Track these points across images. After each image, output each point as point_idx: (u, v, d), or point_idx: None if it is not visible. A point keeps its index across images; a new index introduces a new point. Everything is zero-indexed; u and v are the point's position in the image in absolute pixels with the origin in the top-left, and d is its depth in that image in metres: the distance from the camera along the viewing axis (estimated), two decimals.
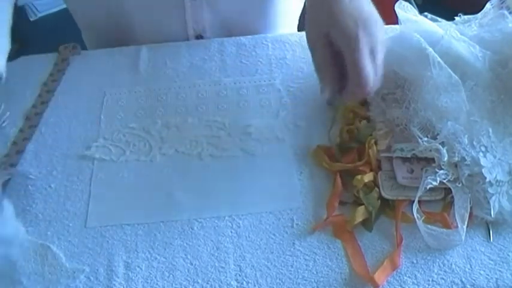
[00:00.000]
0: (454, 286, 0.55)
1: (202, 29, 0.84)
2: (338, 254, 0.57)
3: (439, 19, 0.73)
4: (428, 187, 0.59)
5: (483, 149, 0.60)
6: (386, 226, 0.59)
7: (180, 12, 0.82)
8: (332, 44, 0.60)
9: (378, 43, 0.60)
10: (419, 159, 0.62)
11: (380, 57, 0.60)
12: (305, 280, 0.56)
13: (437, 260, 0.57)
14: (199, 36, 0.85)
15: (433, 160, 0.61)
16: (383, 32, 0.61)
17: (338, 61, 0.61)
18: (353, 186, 0.61)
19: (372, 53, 0.59)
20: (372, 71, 0.59)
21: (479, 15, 0.73)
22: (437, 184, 0.59)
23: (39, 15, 1.75)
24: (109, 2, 0.82)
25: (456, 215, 0.58)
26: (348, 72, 0.59)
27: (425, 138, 0.61)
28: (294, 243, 0.58)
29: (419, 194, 0.59)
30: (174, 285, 0.56)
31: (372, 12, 0.61)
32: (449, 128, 0.61)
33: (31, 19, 1.58)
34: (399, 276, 0.56)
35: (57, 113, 0.72)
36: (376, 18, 0.61)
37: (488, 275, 0.56)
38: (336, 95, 0.64)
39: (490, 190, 0.58)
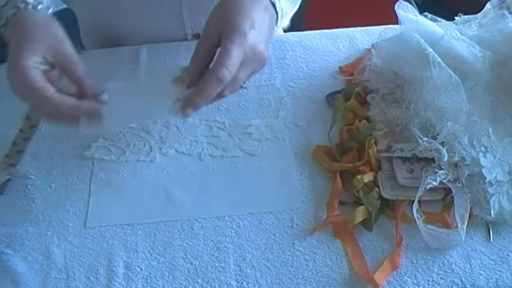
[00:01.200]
0: (454, 286, 0.55)
1: (200, 30, 0.84)
2: (338, 254, 0.57)
3: (439, 19, 0.73)
4: (428, 187, 0.59)
5: (483, 149, 0.60)
6: (387, 226, 0.59)
7: (178, 12, 0.82)
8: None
9: (253, 63, 0.63)
10: (419, 159, 0.62)
11: (243, 74, 0.62)
12: (305, 280, 0.56)
13: (437, 260, 0.57)
14: (196, 35, 0.85)
15: (433, 160, 0.61)
16: (258, 66, 0.65)
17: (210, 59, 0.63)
18: (353, 186, 0.61)
19: (242, 63, 0.61)
20: (233, 73, 0.60)
21: (479, 15, 0.73)
22: (437, 184, 0.59)
23: None
24: (107, 3, 0.82)
25: (456, 215, 0.58)
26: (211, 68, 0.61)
27: (425, 138, 0.61)
28: (294, 243, 0.58)
29: (419, 194, 0.59)
30: (174, 285, 0.56)
31: (265, 46, 0.64)
32: (449, 128, 0.61)
33: None
34: (399, 276, 0.56)
35: None
36: (263, 51, 0.64)
37: (488, 275, 0.56)
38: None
39: (490, 190, 0.58)
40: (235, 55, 0.60)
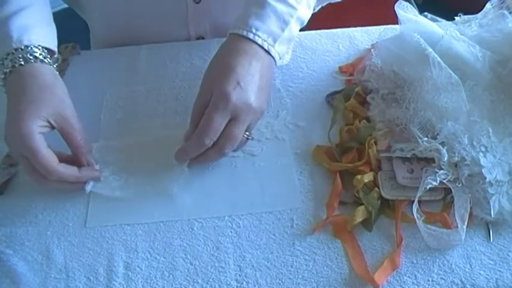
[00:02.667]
0: (454, 286, 0.55)
1: (204, 33, 0.85)
2: (338, 254, 0.57)
3: (439, 19, 0.73)
4: (428, 187, 0.59)
5: (483, 149, 0.60)
6: (387, 226, 0.59)
7: (183, 16, 0.82)
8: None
9: (247, 117, 0.61)
10: (419, 159, 0.62)
11: (238, 131, 0.61)
12: (305, 280, 0.56)
13: (437, 260, 0.57)
14: (200, 38, 0.85)
15: (433, 160, 0.61)
16: (254, 118, 0.63)
17: None
18: (353, 186, 0.61)
19: (233, 121, 0.60)
20: (214, 138, 0.60)
21: (479, 15, 0.73)
22: (437, 184, 0.59)
23: None
24: (118, 12, 0.82)
25: (456, 215, 0.58)
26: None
27: (425, 138, 0.61)
28: (294, 243, 0.58)
29: (419, 194, 0.59)
30: (174, 285, 0.56)
31: (258, 96, 0.62)
32: (449, 128, 0.61)
33: None
34: (399, 276, 0.56)
35: None
36: (255, 104, 0.62)
37: (488, 275, 0.56)
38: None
39: (490, 190, 0.58)
40: (217, 121, 0.59)
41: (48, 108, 0.59)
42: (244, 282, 0.55)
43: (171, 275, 0.56)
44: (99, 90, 0.74)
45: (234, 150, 0.64)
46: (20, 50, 0.61)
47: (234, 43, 0.64)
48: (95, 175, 0.62)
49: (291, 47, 0.73)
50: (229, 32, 0.66)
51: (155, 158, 0.66)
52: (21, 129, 0.57)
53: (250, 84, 0.61)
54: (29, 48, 0.61)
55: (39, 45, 0.62)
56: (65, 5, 0.88)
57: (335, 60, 0.78)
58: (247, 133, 0.64)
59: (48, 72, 0.62)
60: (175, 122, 0.70)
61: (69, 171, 0.59)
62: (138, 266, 0.57)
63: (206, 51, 0.79)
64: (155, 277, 0.56)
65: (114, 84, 0.75)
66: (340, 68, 0.77)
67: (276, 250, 0.58)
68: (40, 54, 0.62)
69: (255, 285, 0.55)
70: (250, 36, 0.63)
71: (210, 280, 0.56)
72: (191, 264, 0.57)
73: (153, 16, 0.82)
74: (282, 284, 0.55)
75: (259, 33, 0.64)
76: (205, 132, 0.60)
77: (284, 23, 0.66)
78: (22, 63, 0.60)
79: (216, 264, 0.57)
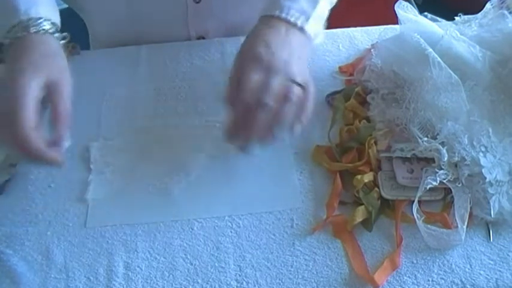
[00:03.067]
0: (454, 286, 0.55)
1: (204, 33, 0.85)
2: (338, 254, 0.57)
3: (439, 19, 0.73)
4: (428, 187, 0.59)
5: (483, 149, 0.60)
6: (386, 226, 0.59)
7: (183, 16, 0.82)
8: None
9: (279, 70, 0.58)
10: (419, 159, 0.62)
11: (275, 79, 0.57)
12: (305, 280, 0.56)
13: (437, 260, 0.57)
14: (200, 38, 0.85)
15: (433, 160, 0.61)
16: (296, 68, 0.59)
17: None
18: (353, 186, 0.61)
19: (268, 70, 0.58)
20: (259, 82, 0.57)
21: (479, 15, 0.73)
22: (437, 184, 0.59)
23: None
24: (120, 13, 0.82)
25: (456, 215, 0.58)
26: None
27: (425, 138, 0.61)
28: (294, 243, 0.58)
29: (419, 194, 0.59)
30: (174, 285, 0.56)
31: (297, 62, 0.60)
32: (449, 128, 0.61)
33: None
34: (399, 276, 0.56)
35: None
36: (301, 71, 0.59)
37: (488, 275, 0.56)
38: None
39: (490, 190, 0.58)
40: (252, 76, 0.57)
41: (47, 71, 0.58)
42: (244, 282, 0.55)
43: (171, 275, 0.56)
44: (99, 90, 0.74)
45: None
46: (27, 21, 0.60)
47: (266, 23, 0.62)
48: (57, 160, 0.57)
49: (323, 26, 0.71)
50: (260, 15, 0.64)
51: (155, 158, 0.66)
52: (15, 82, 0.55)
53: (283, 50, 0.60)
54: (37, 20, 0.61)
55: (46, 19, 0.62)
56: (65, 5, 0.88)
57: (335, 60, 0.78)
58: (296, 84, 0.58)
59: (52, 43, 0.61)
60: (176, 122, 0.70)
61: (37, 139, 0.55)
62: (138, 266, 0.57)
63: (206, 51, 0.79)
64: (155, 277, 0.56)
65: (114, 84, 0.75)
66: (340, 68, 0.77)
67: (276, 250, 0.58)
68: (49, 27, 0.62)
69: (255, 285, 0.55)
70: (283, 15, 0.62)
71: (210, 280, 0.56)
72: (191, 264, 0.57)
73: (153, 16, 0.82)
74: (282, 284, 0.55)
75: (292, 12, 0.62)
76: (243, 91, 0.57)
77: (315, 1, 0.64)
78: (31, 31, 0.60)
79: (216, 264, 0.57)
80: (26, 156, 0.56)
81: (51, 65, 0.59)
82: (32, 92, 0.55)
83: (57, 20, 0.64)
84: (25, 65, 0.57)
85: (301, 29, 0.62)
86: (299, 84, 0.59)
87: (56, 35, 0.62)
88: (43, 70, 0.57)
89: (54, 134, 0.57)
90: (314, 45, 0.65)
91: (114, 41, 0.84)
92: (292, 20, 0.62)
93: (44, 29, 0.61)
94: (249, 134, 0.58)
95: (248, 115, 0.57)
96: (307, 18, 0.63)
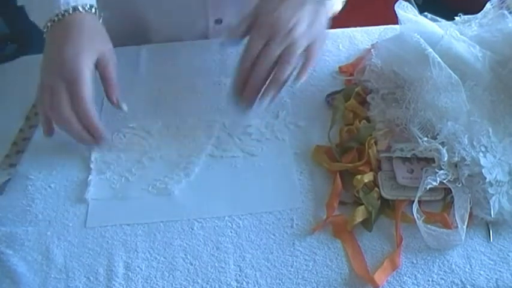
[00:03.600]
0: (454, 286, 0.55)
1: (223, 14, 0.85)
2: (338, 254, 0.57)
3: (439, 19, 0.73)
4: (428, 187, 0.59)
5: (483, 149, 0.60)
6: (386, 226, 0.59)
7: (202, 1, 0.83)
8: None
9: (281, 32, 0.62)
10: (419, 159, 0.62)
11: (275, 46, 0.62)
12: (305, 280, 0.56)
13: (437, 260, 0.57)
14: (219, 21, 0.86)
15: (433, 160, 0.61)
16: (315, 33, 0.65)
17: None
18: (353, 186, 0.61)
19: (272, 36, 0.62)
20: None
21: (479, 15, 0.73)
22: (437, 184, 0.59)
23: None
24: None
25: (456, 215, 0.58)
26: None
27: (425, 138, 0.61)
28: (294, 243, 0.58)
29: (419, 194, 0.59)
30: (174, 285, 0.56)
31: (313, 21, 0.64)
32: (449, 128, 0.61)
33: (31, 19, 1.58)
34: (399, 276, 0.56)
35: None
36: (313, 22, 0.64)
37: (488, 275, 0.56)
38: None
39: (490, 190, 0.58)
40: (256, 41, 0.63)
41: (99, 47, 0.64)
42: (244, 282, 0.55)
43: (171, 275, 0.56)
44: (99, 90, 0.74)
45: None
46: (74, 1, 0.64)
47: None
48: (104, 136, 0.64)
49: None
50: None
51: (155, 158, 0.66)
52: (78, 58, 0.61)
53: (292, 16, 0.63)
54: (77, 6, 0.64)
55: (87, 4, 0.65)
56: None
57: (335, 60, 0.78)
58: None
59: (96, 19, 0.66)
60: (175, 122, 0.70)
61: (94, 113, 0.62)
62: (138, 266, 0.57)
63: (206, 51, 0.79)
64: (155, 277, 0.56)
65: None
66: (340, 68, 0.77)
67: (276, 250, 0.58)
68: (91, 5, 0.65)
69: (255, 285, 0.55)
70: None
71: (210, 280, 0.56)
72: (191, 264, 0.57)
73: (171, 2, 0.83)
74: (282, 284, 0.55)
75: None
76: (244, 56, 0.63)
77: None
78: (79, 10, 0.64)
79: (216, 264, 0.57)
80: (81, 136, 0.62)
81: (100, 41, 0.65)
82: (89, 69, 0.61)
83: (94, 2, 0.68)
84: (83, 40, 0.62)
85: None
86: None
87: (96, 12, 0.66)
88: (97, 45, 0.64)
89: (110, 101, 0.65)
90: (330, 13, 0.69)
91: (129, 26, 0.84)
92: None
93: (89, 6, 0.65)
94: (247, 93, 0.64)
95: (248, 76, 0.63)
96: None
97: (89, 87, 0.61)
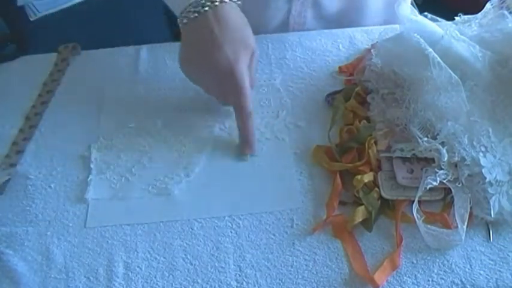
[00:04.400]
0: (454, 286, 0.55)
1: (304, 20, 0.86)
2: (338, 254, 0.57)
3: (439, 19, 0.73)
4: (428, 187, 0.59)
5: (483, 149, 0.60)
6: (386, 226, 0.59)
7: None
8: None
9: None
10: (419, 159, 0.62)
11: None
12: (305, 280, 0.56)
13: (437, 260, 0.57)
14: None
15: (433, 160, 0.61)
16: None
17: None
18: (353, 186, 0.61)
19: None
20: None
21: (479, 15, 0.73)
22: (437, 184, 0.59)
23: (39, 15, 1.75)
24: None
25: (456, 215, 0.58)
26: None
27: (425, 138, 0.61)
28: (293, 243, 0.58)
29: (419, 194, 0.59)
30: (174, 285, 0.56)
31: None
32: (449, 128, 0.61)
33: (31, 19, 1.58)
34: (399, 276, 0.56)
35: (57, 113, 0.72)
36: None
37: (488, 275, 0.56)
38: None
39: (490, 190, 0.58)
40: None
41: (250, 46, 0.64)
42: (244, 282, 0.55)
43: (171, 275, 0.56)
44: (99, 90, 0.74)
45: None
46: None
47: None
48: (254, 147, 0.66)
49: None
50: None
51: (155, 158, 0.66)
52: (237, 69, 0.62)
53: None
54: None
55: None
56: (65, 5, 0.88)
57: (335, 60, 0.78)
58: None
59: (240, 11, 0.65)
60: (175, 122, 0.70)
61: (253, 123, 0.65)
62: (138, 266, 0.57)
63: None
64: (155, 277, 0.56)
65: (114, 84, 0.75)
66: (340, 68, 0.76)
67: (276, 250, 0.58)
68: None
69: (255, 285, 0.55)
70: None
71: (210, 280, 0.56)
72: (191, 264, 0.57)
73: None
74: (282, 284, 0.55)
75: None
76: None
77: None
78: (216, 4, 0.63)
79: (216, 264, 0.57)
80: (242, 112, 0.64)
81: (249, 35, 0.65)
82: (247, 76, 0.63)
83: None
84: (237, 46, 0.63)
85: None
86: None
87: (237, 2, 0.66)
88: (249, 47, 0.64)
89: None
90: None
91: None
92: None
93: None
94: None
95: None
96: None
97: (249, 90, 0.63)
